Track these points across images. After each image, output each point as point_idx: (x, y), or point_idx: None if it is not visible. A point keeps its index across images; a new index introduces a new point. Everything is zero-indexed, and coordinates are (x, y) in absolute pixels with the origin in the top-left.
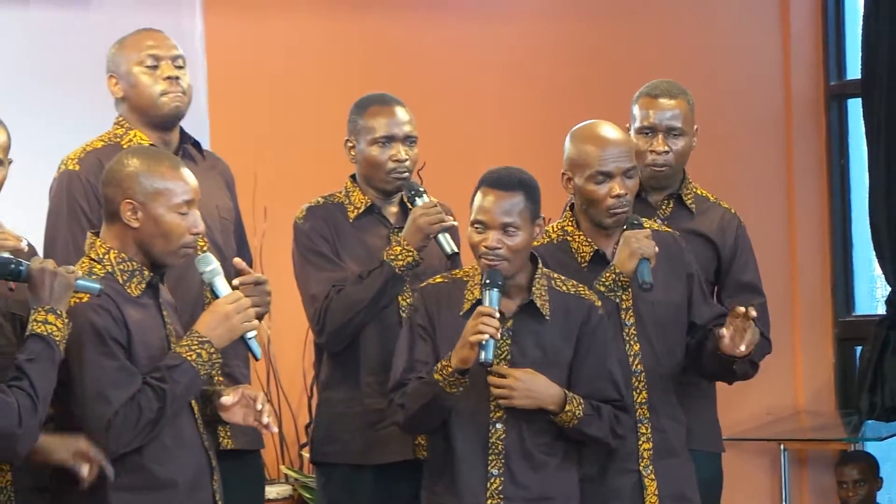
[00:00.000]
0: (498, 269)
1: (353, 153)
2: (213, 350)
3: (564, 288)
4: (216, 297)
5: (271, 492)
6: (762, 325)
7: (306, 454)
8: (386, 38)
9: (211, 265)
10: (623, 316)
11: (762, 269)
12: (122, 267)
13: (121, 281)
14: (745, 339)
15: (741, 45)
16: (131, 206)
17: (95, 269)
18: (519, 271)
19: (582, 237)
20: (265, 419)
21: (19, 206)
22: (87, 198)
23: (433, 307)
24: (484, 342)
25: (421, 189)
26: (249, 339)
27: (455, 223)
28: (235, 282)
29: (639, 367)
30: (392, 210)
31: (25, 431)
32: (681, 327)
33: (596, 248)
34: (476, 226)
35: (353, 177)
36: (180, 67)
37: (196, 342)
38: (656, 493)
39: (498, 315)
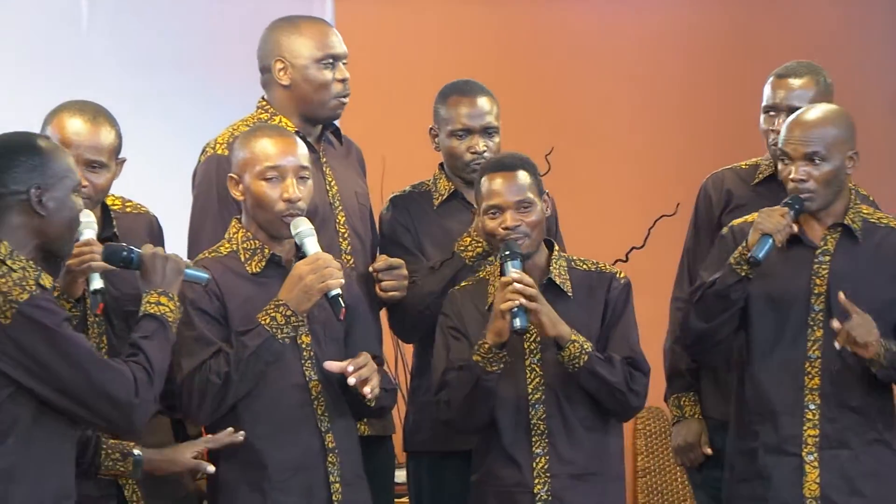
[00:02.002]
0: (518, 244)
1: (436, 142)
2: (289, 312)
3: (585, 266)
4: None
5: (401, 476)
6: None
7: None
8: (517, 22)
9: (300, 227)
10: (813, 301)
11: None
12: (245, 245)
13: (242, 259)
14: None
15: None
16: (233, 181)
17: (222, 248)
18: (537, 249)
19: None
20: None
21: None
22: None
23: (460, 308)
24: (514, 310)
25: None
26: (331, 297)
27: None
28: (371, 268)
29: (815, 352)
30: None
31: (142, 403)
32: (883, 326)
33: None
34: (490, 213)
35: (441, 164)
36: (345, 64)
37: (272, 306)
38: (817, 481)
39: (525, 280)
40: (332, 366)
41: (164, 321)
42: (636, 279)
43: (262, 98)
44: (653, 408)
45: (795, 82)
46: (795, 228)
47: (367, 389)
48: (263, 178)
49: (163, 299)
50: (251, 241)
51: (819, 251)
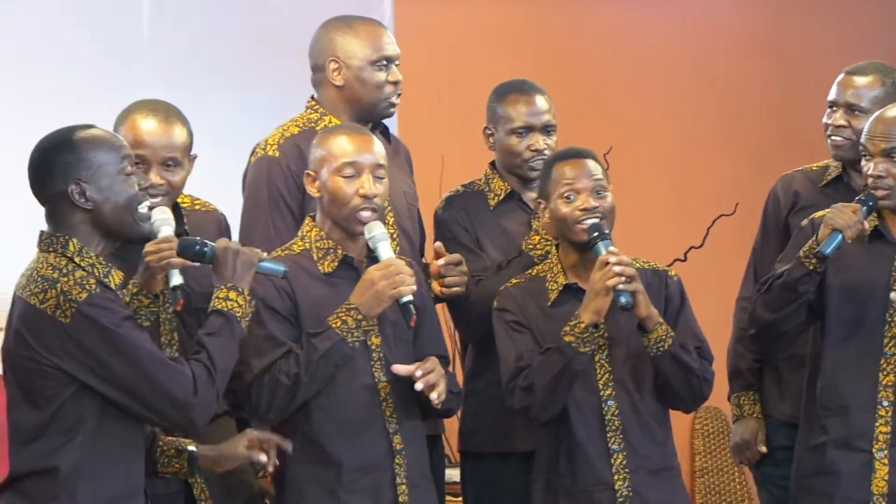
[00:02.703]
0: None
1: (491, 141)
2: (360, 317)
3: (639, 265)
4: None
5: (452, 475)
6: None
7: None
8: (573, 22)
9: (374, 232)
10: (892, 297)
11: None
12: (318, 244)
13: (315, 258)
14: None
15: None
16: (310, 178)
17: (294, 246)
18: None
19: (871, 221)
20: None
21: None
22: (286, 184)
23: (520, 304)
24: (617, 287)
25: None
26: (402, 304)
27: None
28: (434, 263)
29: (892, 349)
30: (532, 196)
31: (201, 402)
32: None
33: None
34: (565, 197)
35: (492, 164)
36: (398, 65)
37: (343, 309)
38: (886, 478)
39: (623, 258)
40: (401, 369)
41: (231, 317)
42: (694, 279)
43: (312, 97)
44: (711, 408)
45: (860, 80)
46: (867, 226)
47: (434, 395)
48: (340, 174)
49: (231, 294)
50: (325, 241)
51: None
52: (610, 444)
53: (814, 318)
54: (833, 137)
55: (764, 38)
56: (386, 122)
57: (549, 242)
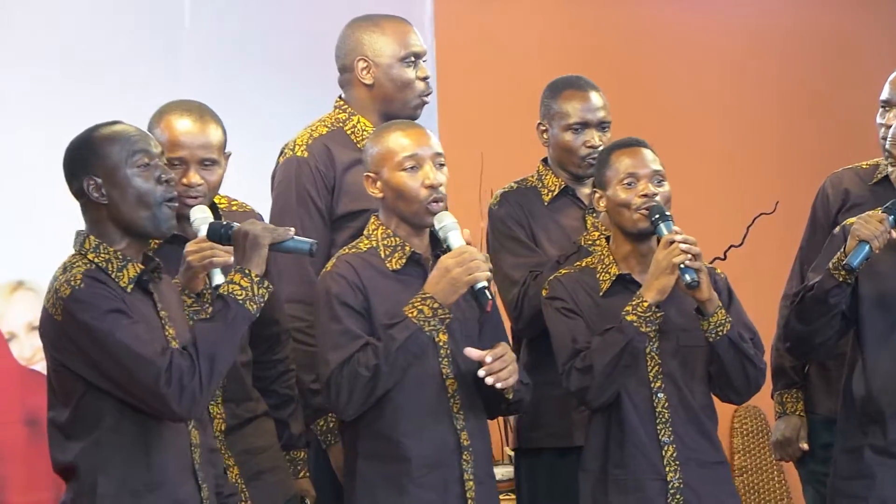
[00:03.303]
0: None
1: (545, 137)
2: (436, 305)
3: None
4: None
5: (497, 473)
6: None
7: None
8: (613, 19)
9: (444, 222)
10: None
11: None
12: (385, 242)
13: (382, 255)
14: None
15: None
16: (370, 179)
17: (361, 244)
18: None
19: None
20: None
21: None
22: (315, 185)
23: (571, 294)
24: (683, 265)
25: None
26: (478, 289)
27: None
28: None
29: None
30: (585, 191)
31: (176, 391)
32: None
33: None
34: (626, 183)
35: (544, 160)
36: (426, 62)
37: (419, 299)
38: None
39: (689, 238)
40: (472, 353)
41: (230, 301)
42: (734, 277)
43: (340, 97)
44: (751, 406)
45: None
46: (895, 234)
47: (495, 382)
48: (402, 168)
49: (237, 277)
50: (391, 238)
51: None
52: (660, 436)
53: (848, 325)
54: (884, 136)
55: (811, 37)
56: (427, 121)
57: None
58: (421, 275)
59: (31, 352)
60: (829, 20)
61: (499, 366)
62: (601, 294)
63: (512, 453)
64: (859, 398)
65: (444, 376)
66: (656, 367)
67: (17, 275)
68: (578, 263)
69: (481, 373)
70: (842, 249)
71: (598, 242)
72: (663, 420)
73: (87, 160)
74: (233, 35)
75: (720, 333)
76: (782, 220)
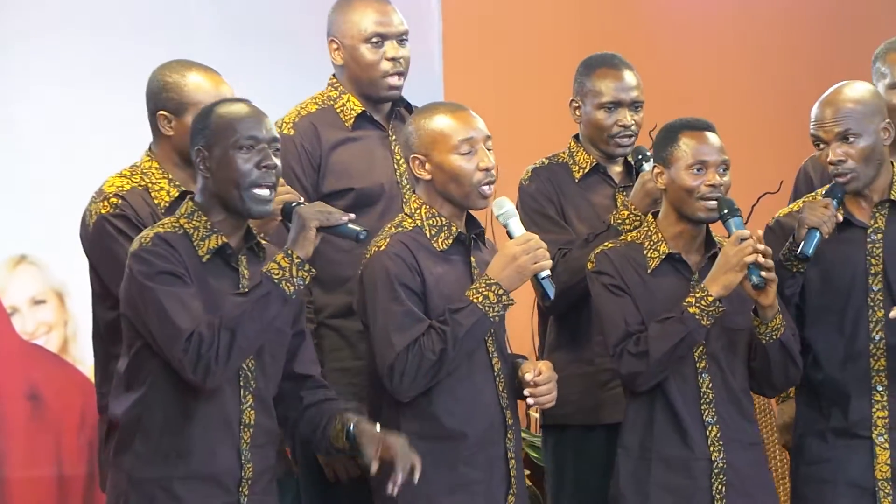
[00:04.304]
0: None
1: (577, 114)
2: (501, 292)
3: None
4: (511, 238)
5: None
6: None
7: (534, 414)
8: (622, 1)
9: (504, 208)
10: (871, 281)
11: None
12: (430, 222)
13: (428, 235)
14: None
15: None
16: (418, 161)
17: (405, 223)
18: None
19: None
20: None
21: None
22: (300, 163)
23: (618, 269)
24: (752, 265)
25: (648, 153)
26: (542, 278)
27: None
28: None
29: (879, 333)
30: (616, 170)
31: (192, 358)
32: None
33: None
34: (695, 168)
35: (576, 137)
36: (404, 41)
37: (483, 285)
38: (888, 462)
39: (760, 238)
40: (528, 377)
41: (265, 279)
42: None
43: (333, 75)
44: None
45: None
46: (840, 217)
47: (535, 405)
48: (457, 151)
49: (279, 257)
50: (437, 218)
51: (870, 230)
52: (704, 417)
53: (799, 313)
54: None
55: (815, 15)
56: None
57: (637, 218)
58: (463, 254)
59: (33, 326)
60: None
61: (544, 391)
62: (648, 271)
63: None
64: (817, 383)
65: (490, 355)
66: (701, 348)
67: (19, 249)
68: (623, 238)
69: (526, 392)
70: (791, 240)
71: (627, 222)
72: (707, 400)
73: (200, 130)
74: (241, 6)
75: (775, 337)
76: (787, 199)
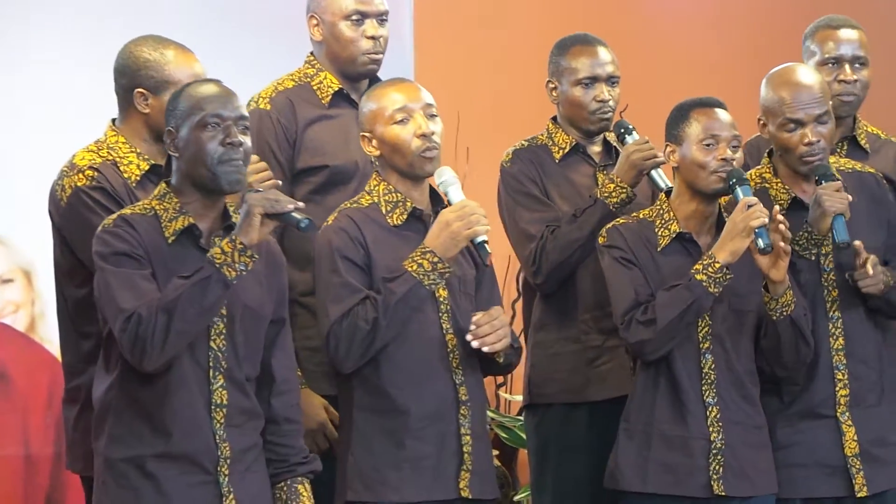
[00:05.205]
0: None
1: (555, 94)
2: (436, 259)
3: None
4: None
5: None
6: None
7: (503, 394)
8: None
9: (444, 176)
10: (823, 262)
11: None
12: (386, 198)
13: (384, 211)
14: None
15: None
16: (366, 139)
17: (362, 200)
18: None
19: (780, 184)
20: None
21: None
22: (276, 138)
23: (629, 244)
24: (759, 229)
25: (631, 126)
26: (478, 243)
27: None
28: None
29: (836, 313)
30: (596, 149)
31: (130, 337)
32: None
33: (794, 194)
34: (706, 143)
35: (554, 118)
36: (384, 21)
37: (419, 253)
38: (855, 438)
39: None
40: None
41: (206, 263)
42: None
43: (311, 53)
44: None
45: (852, 32)
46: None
47: (480, 346)
48: (394, 122)
49: (224, 242)
50: (392, 194)
51: None
52: (705, 397)
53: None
54: (845, 92)
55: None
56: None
57: (623, 190)
58: (422, 230)
59: (0, 305)
60: None
61: (486, 330)
62: (658, 249)
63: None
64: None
65: (444, 331)
66: (706, 328)
67: None
68: (636, 214)
69: (468, 336)
70: (807, 228)
71: (613, 195)
72: (709, 381)
73: (170, 111)
74: None
75: (785, 313)
76: None
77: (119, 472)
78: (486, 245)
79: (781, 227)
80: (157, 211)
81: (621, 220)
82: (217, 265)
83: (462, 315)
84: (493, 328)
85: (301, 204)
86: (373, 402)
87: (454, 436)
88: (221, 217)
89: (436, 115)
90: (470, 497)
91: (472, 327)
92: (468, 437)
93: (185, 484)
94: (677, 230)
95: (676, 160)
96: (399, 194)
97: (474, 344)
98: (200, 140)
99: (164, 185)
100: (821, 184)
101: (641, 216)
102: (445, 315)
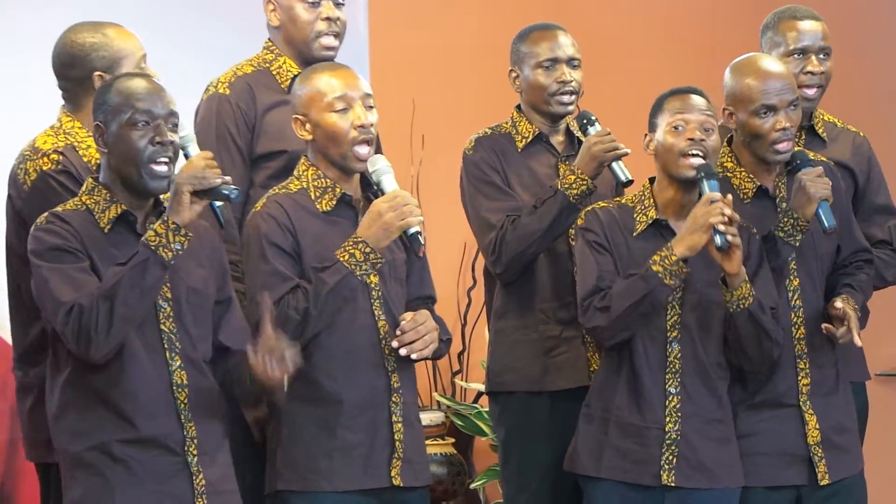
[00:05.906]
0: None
1: (517, 83)
2: (368, 249)
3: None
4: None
5: (424, 419)
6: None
7: (459, 382)
8: None
9: (377, 165)
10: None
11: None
12: (315, 183)
13: (312, 196)
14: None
15: None
16: (299, 122)
17: (291, 185)
18: None
19: (743, 173)
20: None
21: None
22: (235, 123)
23: (605, 228)
24: (718, 227)
25: (593, 117)
26: (410, 234)
27: (628, 151)
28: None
29: (797, 302)
30: (559, 139)
31: (72, 330)
32: (832, 262)
33: (759, 183)
34: (673, 128)
35: (518, 107)
36: (340, 5)
37: (351, 243)
38: (818, 427)
39: (729, 203)
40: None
41: (141, 246)
42: None
43: (269, 39)
44: None
45: (815, 23)
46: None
47: (408, 354)
48: (332, 109)
49: (157, 224)
50: (322, 180)
51: (778, 199)
52: (667, 386)
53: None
54: (812, 83)
55: None
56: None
57: (584, 182)
58: (351, 217)
59: None
60: None
61: (411, 336)
62: (634, 234)
63: (441, 399)
64: None
65: (376, 318)
66: (675, 317)
67: None
68: (618, 199)
69: (394, 344)
70: (789, 214)
71: (574, 186)
72: (673, 370)
73: (100, 107)
74: None
75: (742, 306)
76: None
77: (87, 462)
78: (419, 236)
79: (729, 228)
80: (88, 205)
81: (602, 204)
82: (152, 247)
83: (393, 302)
84: (419, 334)
85: (228, 178)
86: (304, 392)
87: (386, 424)
88: (154, 203)
89: (373, 107)
90: (402, 485)
91: (398, 333)
92: (400, 426)
93: (155, 466)
94: (654, 216)
95: (652, 148)
96: (328, 180)
97: (402, 352)
98: (130, 138)
99: (91, 180)
100: (801, 170)
101: (623, 201)
102: (377, 302)
